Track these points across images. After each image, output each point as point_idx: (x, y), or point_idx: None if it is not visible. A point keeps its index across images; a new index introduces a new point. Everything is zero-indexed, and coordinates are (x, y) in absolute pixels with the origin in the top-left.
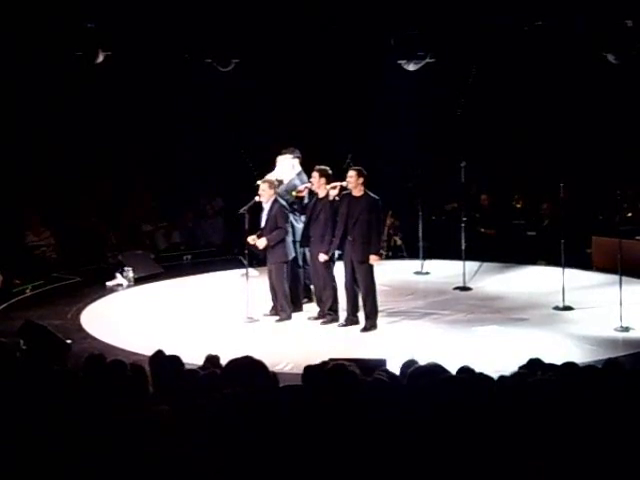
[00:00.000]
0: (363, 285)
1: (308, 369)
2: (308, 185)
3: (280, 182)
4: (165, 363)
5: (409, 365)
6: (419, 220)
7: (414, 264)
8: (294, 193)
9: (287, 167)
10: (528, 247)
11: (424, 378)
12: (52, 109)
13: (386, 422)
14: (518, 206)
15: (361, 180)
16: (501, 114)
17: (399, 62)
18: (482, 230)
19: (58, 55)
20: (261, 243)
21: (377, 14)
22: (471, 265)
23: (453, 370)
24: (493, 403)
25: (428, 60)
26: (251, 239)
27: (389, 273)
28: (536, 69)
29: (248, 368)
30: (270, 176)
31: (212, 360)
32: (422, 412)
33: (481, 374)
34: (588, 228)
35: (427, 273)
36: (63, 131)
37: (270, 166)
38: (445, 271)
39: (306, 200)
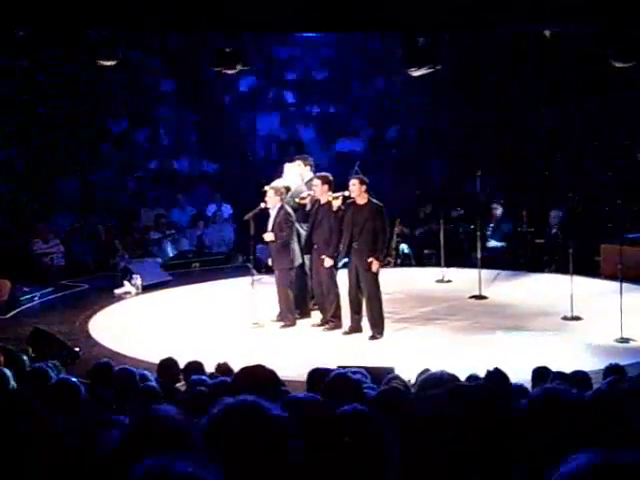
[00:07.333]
0: (368, 293)
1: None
2: (311, 192)
3: (288, 189)
4: (175, 370)
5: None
6: (440, 227)
7: (432, 272)
8: (297, 200)
9: (295, 174)
10: (537, 255)
11: (434, 386)
12: (63, 118)
13: (397, 431)
14: (526, 214)
15: (364, 188)
16: (511, 123)
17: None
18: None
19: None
20: (268, 236)
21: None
22: (488, 273)
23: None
24: (506, 412)
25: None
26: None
27: (408, 281)
28: (548, 79)
29: (259, 377)
30: (277, 183)
31: (222, 368)
32: (432, 421)
33: (491, 381)
34: (597, 236)
35: (449, 281)
36: (73, 139)
37: (279, 174)
38: (465, 279)
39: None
